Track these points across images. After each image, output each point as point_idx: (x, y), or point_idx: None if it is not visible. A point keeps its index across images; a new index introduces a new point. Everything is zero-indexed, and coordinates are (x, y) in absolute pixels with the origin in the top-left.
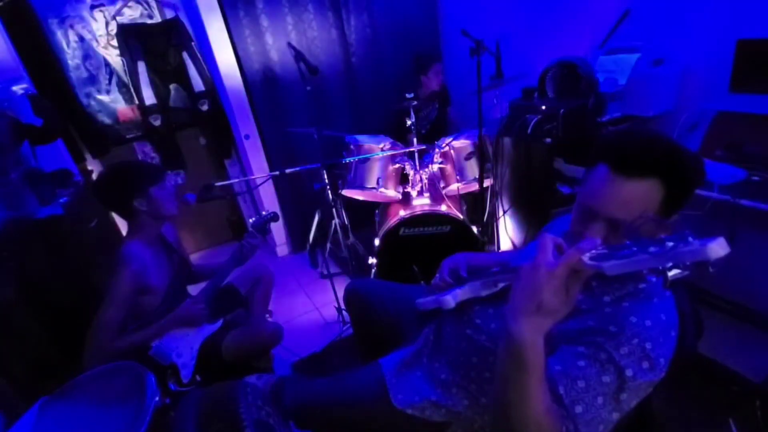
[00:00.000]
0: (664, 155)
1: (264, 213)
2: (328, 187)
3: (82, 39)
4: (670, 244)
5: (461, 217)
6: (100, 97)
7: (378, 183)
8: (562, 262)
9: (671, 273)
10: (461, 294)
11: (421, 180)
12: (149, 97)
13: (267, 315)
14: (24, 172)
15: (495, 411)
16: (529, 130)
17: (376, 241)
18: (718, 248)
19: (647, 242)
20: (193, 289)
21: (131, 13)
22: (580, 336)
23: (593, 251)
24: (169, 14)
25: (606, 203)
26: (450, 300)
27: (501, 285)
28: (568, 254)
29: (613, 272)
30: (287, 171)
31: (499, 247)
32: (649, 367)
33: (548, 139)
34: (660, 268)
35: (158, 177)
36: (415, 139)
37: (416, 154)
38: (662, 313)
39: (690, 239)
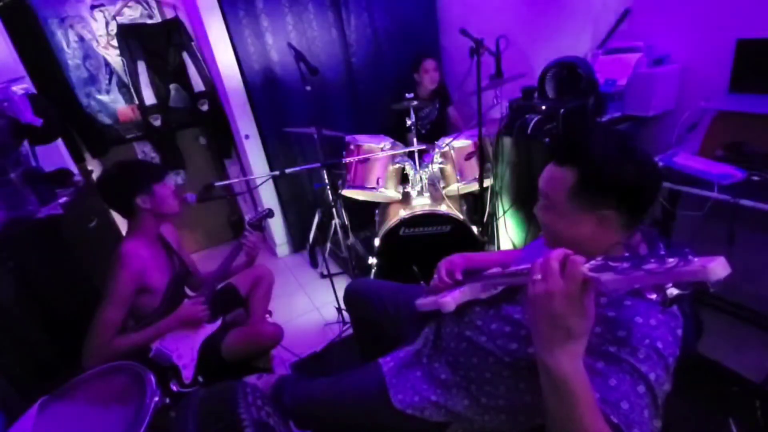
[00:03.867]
0: (573, 148)
1: (260, 209)
2: (328, 187)
3: (82, 39)
4: (671, 261)
5: (461, 217)
6: (100, 97)
7: (378, 183)
8: (571, 281)
9: (670, 291)
10: (461, 296)
11: (421, 180)
12: (149, 97)
13: (267, 315)
14: (24, 172)
15: None
16: (529, 130)
17: (376, 241)
18: (719, 269)
19: (646, 257)
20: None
21: (131, 13)
22: (591, 347)
23: (592, 262)
24: (169, 14)
25: (541, 180)
26: (450, 302)
27: (501, 288)
28: (571, 271)
29: (611, 288)
30: (287, 171)
31: (499, 247)
32: (665, 366)
33: (548, 139)
34: (658, 285)
35: (160, 174)
36: (415, 139)
37: (416, 154)
38: (664, 312)
39: (690, 257)
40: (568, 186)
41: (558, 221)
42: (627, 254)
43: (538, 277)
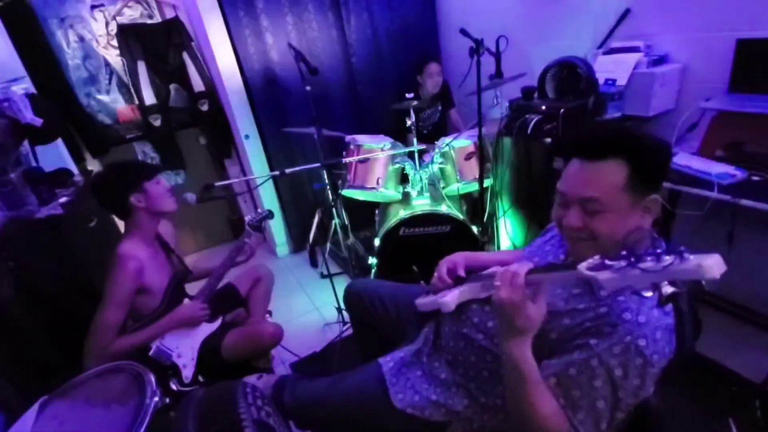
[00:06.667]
0: (618, 137)
1: (260, 211)
2: (328, 187)
3: (82, 39)
4: (667, 259)
5: (461, 217)
6: (100, 97)
7: (378, 183)
8: (515, 289)
9: (665, 290)
10: (460, 296)
11: (421, 180)
12: (149, 97)
13: (267, 315)
14: (24, 172)
15: (512, 421)
16: (529, 130)
17: (376, 241)
18: (715, 268)
19: (643, 255)
20: (191, 289)
21: (131, 13)
22: (576, 337)
23: (589, 261)
24: (169, 14)
25: (574, 185)
26: (450, 303)
27: None
28: (513, 281)
29: (608, 286)
30: (287, 171)
31: (499, 247)
32: (642, 363)
33: (548, 139)
34: (653, 283)
35: (152, 172)
36: (415, 139)
37: (416, 154)
38: (656, 309)
39: (686, 255)
40: (621, 180)
41: (616, 224)
42: (624, 252)
43: (498, 284)
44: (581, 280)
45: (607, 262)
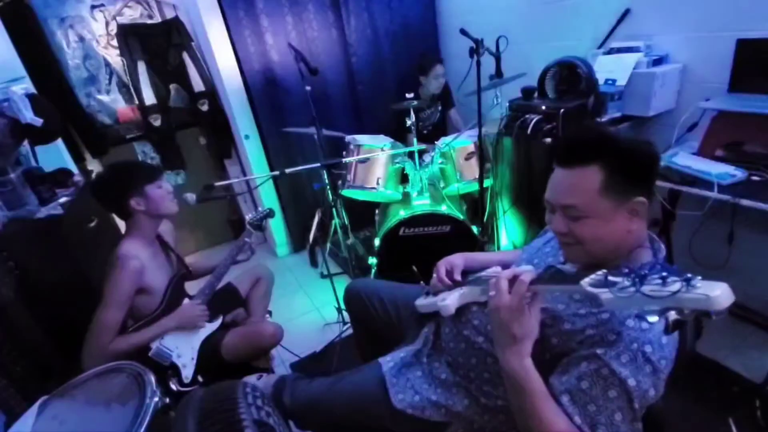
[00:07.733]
0: (589, 142)
1: (260, 209)
2: (328, 187)
3: (82, 39)
4: (673, 285)
5: (461, 217)
6: (100, 97)
7: (378, 183)
8: (516, 296)
9: (671, 317)
10: (460, 299)
11: (421, 180)
12: (149, 97)
13: (267, 315)
14: (24, 172)
15: None
16: (529, 130)
17: (376, 241)
18: (723, 299)
19: (647, 276)
20: (192, 288)
21: (131, 13)
22: (580, 347)
23: (592, 277)
24: (169, 14)
25: (555, 193)
26: (450, 307)
27: None
28: (517, 289)
29: (610, 306)
30: (287, 171)
31: (499, 247)
32: (652, 370)
33: (548, 139)
34: (658, 309)
35: (153, 175)
36: (415, 139)
37: (416, 154)
38: None
39: (693, 282)
40: (597, 185)
41: (599, 228)
42: (626, 270)
43: (493, 293)
44: None
45: (611, 278)
